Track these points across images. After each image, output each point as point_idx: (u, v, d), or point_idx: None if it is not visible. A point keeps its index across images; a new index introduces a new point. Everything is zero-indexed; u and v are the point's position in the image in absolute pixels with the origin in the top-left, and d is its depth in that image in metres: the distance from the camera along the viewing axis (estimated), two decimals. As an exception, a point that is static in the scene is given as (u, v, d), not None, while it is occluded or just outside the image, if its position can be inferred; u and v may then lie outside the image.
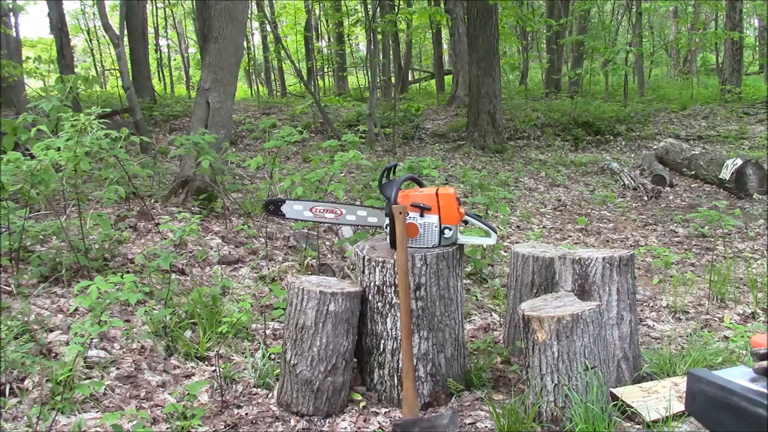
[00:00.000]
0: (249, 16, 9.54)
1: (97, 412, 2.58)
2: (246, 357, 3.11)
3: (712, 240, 5.90)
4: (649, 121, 11.99)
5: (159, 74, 19.87)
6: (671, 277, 4.77)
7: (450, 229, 2.72)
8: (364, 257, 2.75)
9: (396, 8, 13.60)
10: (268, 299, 3.78)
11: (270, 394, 2.83)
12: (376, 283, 2.71)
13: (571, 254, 2.94)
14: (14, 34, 8.79)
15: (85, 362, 2.88)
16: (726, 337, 3.53)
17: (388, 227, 2.70)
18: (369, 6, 12.40)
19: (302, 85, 16.80)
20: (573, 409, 2.42)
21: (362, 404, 2.74)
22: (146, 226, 4.81)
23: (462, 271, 2.94)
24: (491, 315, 3.95)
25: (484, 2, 9.85)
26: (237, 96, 9.25)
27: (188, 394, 2.66)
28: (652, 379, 2.88)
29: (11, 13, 9.07)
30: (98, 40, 19.72)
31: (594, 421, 2.38)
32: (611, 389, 2.66)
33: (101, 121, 3.74)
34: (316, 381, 2.64)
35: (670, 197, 7.80)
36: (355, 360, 2.86)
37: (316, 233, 4.78)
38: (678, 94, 15.56)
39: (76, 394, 2.59)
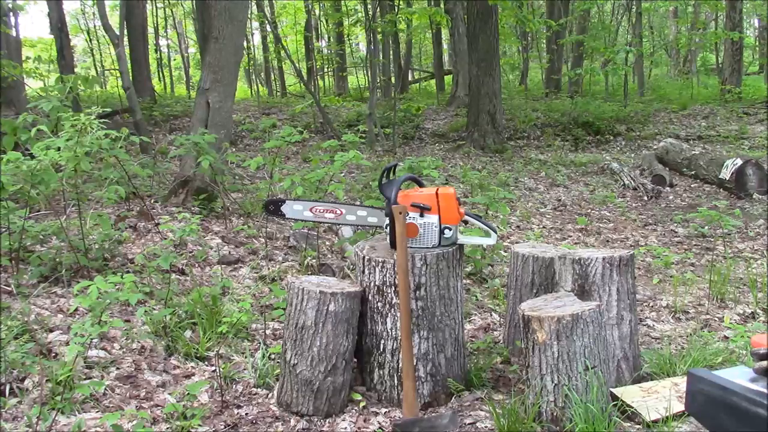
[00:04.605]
0: (249, 16, 9.54)
1: (97, 412, 2.58)
2: (246, 357, 3.11)
3: (712, 240, 5.90)
4: (649, 121, 11.99)
5: (159, 74, 19.86)
6: (671, 277, 4.77)
7: (450, 229, 2.72)
8: (364, 257, 2.75)
9: (396, 8, 13.59)
10: (268, 299, 3.78)
11: (270, 394, 2.83)
12: (376, 283, 2.71)
13: (571, 254, 2.94)
14: (14, 34, 8.79)
15: (85, 362, 2.88)
16: (726, 337, 3.53)
17: (388, 227, 2.70)
18: (369, 6, 12.40)
19: (302, 85, 16.80)
20: (573, 409, 2.42)
21: (362, 404, 2.74)
22: (146, 226, 4.81)
23: (462, 271, 2.94)
24: (491, 315, 3.95)
25: (484, 2, 9.85)
26: (237, 96, 9.24)
27: (188, 394, 2.66)
28: (652, 379, 2.88)
29: (11, 13, 9.06)
30: (98, 40, 19.70)
31: (594, 421, 2.38)
32: (611, 389, 2.66)
33: (101, 121, 3.74)
34: (316, 381, 2.64)
35: (670, 197, 7.80)
36: (355, 360, 2.86)
37: (316, 233, 4.78)
38: (678, 94, 15.55)
39: (76, 394, 2.59)
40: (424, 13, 13.23)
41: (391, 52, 16.30)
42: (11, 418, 2.46)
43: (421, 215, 2.69)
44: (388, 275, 2.68)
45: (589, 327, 2.47)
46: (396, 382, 2.75)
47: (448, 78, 17.69)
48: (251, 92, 19.44)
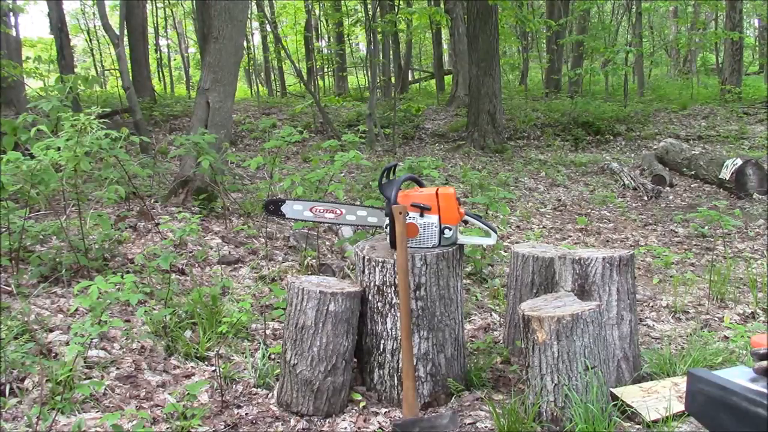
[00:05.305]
0: (249, 16, 9.54)
1: (97, 412, 2.58)
2: (246, 357, 3.11)
3: (712, 240, 5.90)
4: (649, 121, 11.99)
5: (159, 74, 19.87)
6: (671, 277, 4.77)
7: (450, 229, 2.72)
8: (364, 257, 2.75)
9: (396, 8, 13.60)
10: (268, 299, 3.78)
11: (270, 394, 2.83)
12: (376, 283, 2.71)
13: (571, 254, 2.94)
14: (14, 34, 8.79)
15: (85, 362, 2.88)
16: (726, 337, 3.53)
17: (388, 227, 2.70)
18: (369, 6, 12.40)
19: (302, 85, 16.80)
20: (573, 409, 2.42)
21: (362, 404, 2.74)
22: (146, 226, 4.81)
23: (462, 271, 2.94)
24: (491, 315, 3.95)
25: (484, 2, 9.85)
26: (237, 96, 9.24)
27: (188, 394, 2.66)
28: (652, 379, 2.88)
29: (11, 13, 9.06)
30: (98, 40, 19.72)
31: (594, 421, 2.38)
32: (611, 389, 2.66)
33: (101, 121, 3.74)
34: (316, 381, 2.64)
35: (670, 197, 7.80)
36: (355, 360, 2.86)
37: (316, 233, 4.78)
38: (678, 94, 15.55)
39: (76, 394, 2.59)
40: (424, 13, 13.23)
41: (391, 52, 16.30)
42: (11, 418, 2.46)
43: (421, 215, 2.69)
44: (388, 275, 2.68)
45: (589, 327, 2.47)
46: (396, 382, 2.75)
47: (448, 78, 17.70)
48: (251, 92, 19.45)
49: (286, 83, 20.64)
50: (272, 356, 3.12)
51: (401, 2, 15.71)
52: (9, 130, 3.95)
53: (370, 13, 11.91)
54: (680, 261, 5.28)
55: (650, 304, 4.20)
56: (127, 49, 10.50)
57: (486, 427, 2.59)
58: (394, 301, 2.69)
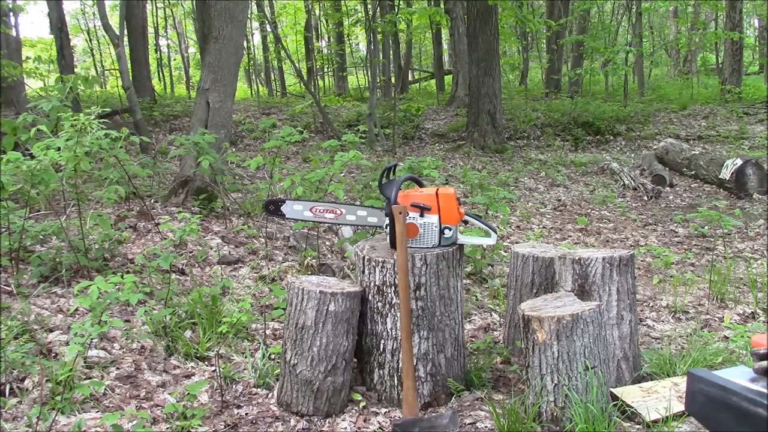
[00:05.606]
0: (249, 16, 9.54)
1: (97, 412, 2.58)
2: (246, 357, 3.12)
3: (712, 240, 5.90)
4: (649, 121, 11.99)
5: (159, 74, 19.87)
6: (671, 277, 4.77)
7: (450, 229, 2.72)
8: (364, 257, 2.75)
9: (396, 8, 13.59)
10: (268, 299, 3.78)
11: (270, 394, 2.83)
12: (376, 283, 2.71)
13: (571, 254, 2.94)
14: (14, 34, 8.79)
15: (85, 362, 2.88)
16: (726, 337, 3.53)
17: (388, 227, 2.70)
18: (369, 6, 12.40)
19: (302, 85, 16.80)
20: (573, 409, 2.42)
21: (362, 404, 2.74)
22: (146, 226, 4.81)
23: (462, 271, 2.94)
24: (491, 315, 3.95)
25: (484, 2, 9.86)
26: (237, 96, 9.24)
27: (188, 394, 2.66)
28: (652, 379, 2.88)
29: (11, 13, 9.06)
30: (98, 40, 19.72)
31: (594, 421, 2.38)
32: (611, 389, 2.66)
33: (101, 121, 3.74)
34: (316, 381, 2.64)
35: (670, 197, 7.80)
36: (355, 360, 2.86)
37: (316, 233, 4.78)
38: (678, 94, 15.55)
39: (76, 394, 2.59)
40: (424, 13, 13.23)
41: (391, 52, 16.29)
42: (11, 418, 2.46)
43: (421, 215, 2.69)
44: (388, 275, 2.68)
45: (589, 327, 2.47)
46: (396, 382, 2.75)
47: (448, 78, 17.70)
48: (251, 92, 19.45)
49: (286, 83, 20.65)
50: (272, 356, 3.12)
51: (401, 2, 15.71)
52: (9, 130, 3.95)
53: (370, 13, 11.91)
54: (680, 261, 5.28)
55: (650, 304, 4.20)
56: (127, 49, 10.50)
57: (486, 427, 2.60)
58: (394, 301, 2.69)
